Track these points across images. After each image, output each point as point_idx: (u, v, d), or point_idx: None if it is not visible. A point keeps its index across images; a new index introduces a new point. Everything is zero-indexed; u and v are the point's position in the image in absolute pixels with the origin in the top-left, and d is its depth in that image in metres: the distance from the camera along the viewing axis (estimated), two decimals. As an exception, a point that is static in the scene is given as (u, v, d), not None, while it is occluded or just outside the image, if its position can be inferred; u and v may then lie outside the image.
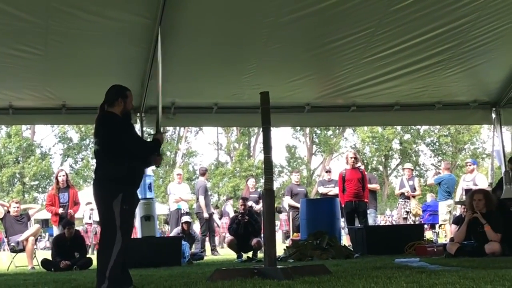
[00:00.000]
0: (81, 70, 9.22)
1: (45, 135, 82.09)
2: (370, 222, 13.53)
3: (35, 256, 11.83)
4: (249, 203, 13.52)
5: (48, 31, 8.15)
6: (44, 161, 49.02)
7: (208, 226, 14.95)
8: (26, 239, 11.61)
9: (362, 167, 13.26)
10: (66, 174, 12.37)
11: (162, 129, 6.76)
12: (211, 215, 15.14)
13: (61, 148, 52.46)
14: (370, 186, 13.51)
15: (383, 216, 41.09)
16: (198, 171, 16.16)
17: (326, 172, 15.50)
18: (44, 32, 8.16)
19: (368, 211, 13.40)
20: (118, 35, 8.46)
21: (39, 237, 11.89)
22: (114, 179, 5.47)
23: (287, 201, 15.15)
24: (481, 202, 8.85)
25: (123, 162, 5.49)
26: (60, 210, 11.66)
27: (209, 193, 15.17)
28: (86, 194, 21.53)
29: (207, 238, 15.06)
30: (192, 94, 10.32)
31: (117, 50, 8.83)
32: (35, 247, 12.22)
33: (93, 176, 5.74)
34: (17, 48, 8.50)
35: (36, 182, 49.74)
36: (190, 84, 10.00)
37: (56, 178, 12.30)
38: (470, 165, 14.77)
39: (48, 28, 8.08)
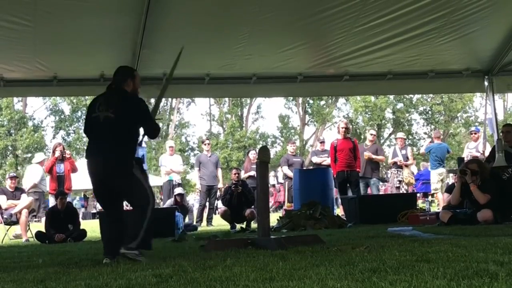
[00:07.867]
0: (71, 41, 9.08)
1: (37, 107, 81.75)
2: (374, 191, 13.68)
3: (29, 229, 11.83)
4: (252, 173, 13.50)
5: (36, 1, 8.03)
6: (36, 134, 48.90)
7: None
8: (20, 212, 11.61)
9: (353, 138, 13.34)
10: (63, 147, 13.23)
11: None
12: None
13: (53, 120, 52.32)
14: (376, 157, 13.79)
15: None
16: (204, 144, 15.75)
17: (321, 143, 15.50)
18: (32, 2, 8.03)
19: (372, 181, 13.55)
20: (108, 4, 8.34)
21: (32, 210, 11.95)
22: (132, 155, 5.80)
23: (284, 171, 15.17)
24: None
25: (135, 143, 5.90)
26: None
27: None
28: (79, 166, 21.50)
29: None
30: (183, 64, 10.14)
31: (107, 19, 8.69)
32: (28, 219, 12.25)
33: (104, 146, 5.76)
34: (5, 19, 8.33)
35: (29, 155, 49.61)
36: (182, 55, 9.91)
37: (54, 151, 12.94)
38: (474, 134, 14.81)
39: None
